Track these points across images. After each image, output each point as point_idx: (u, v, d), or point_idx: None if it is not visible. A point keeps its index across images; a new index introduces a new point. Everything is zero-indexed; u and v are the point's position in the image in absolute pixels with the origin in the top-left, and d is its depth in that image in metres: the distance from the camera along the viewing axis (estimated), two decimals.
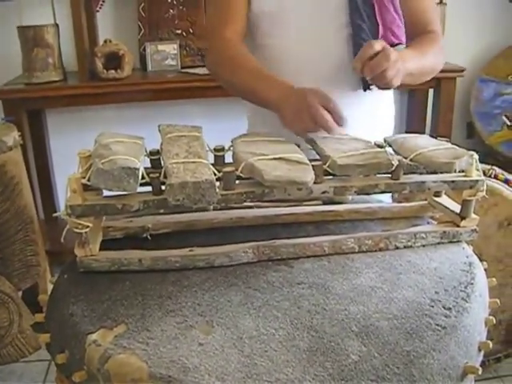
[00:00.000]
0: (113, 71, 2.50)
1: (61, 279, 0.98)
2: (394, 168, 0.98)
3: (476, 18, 2.93)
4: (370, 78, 1.18)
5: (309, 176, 0.91)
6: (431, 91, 2.86)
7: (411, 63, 1.24)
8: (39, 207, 2.63)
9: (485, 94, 2.91)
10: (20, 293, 2.05)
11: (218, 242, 1.02)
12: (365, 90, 1.35)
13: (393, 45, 1.32)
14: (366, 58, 1.15)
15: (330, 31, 1.34)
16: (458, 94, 2.75)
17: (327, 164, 0.97)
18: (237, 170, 0.94)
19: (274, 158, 0.95)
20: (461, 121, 3.02)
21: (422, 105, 2.98)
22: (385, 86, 1.21)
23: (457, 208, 1.08)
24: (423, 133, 2.84)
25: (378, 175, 1.01)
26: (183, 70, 2.79)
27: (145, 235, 1.08)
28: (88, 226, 0.93)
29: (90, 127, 2.80)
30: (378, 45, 1.16)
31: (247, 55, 1.31)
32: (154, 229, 1.08)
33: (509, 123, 2.87)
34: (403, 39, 1.34)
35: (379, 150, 1.02)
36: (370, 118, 1.37)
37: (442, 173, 1.04)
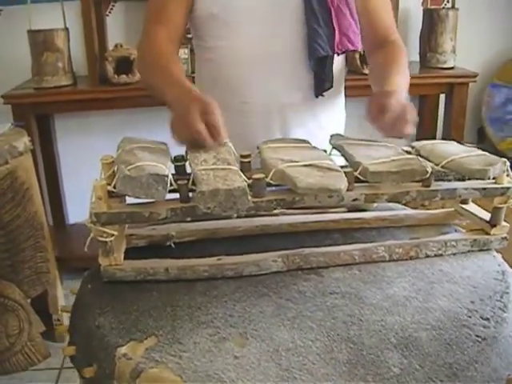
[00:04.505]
0: (124, 76, 2.48)
1: (84, 289, 0.96)
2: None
3: (488, 23, 2.91)
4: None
5: (342, 183, 0.88)
6: (442, 96, 2.84)
7: (405, 92, 1.20)
8: (48, 213, 2.61)
9: (496, 100, 2.89)
10: (29, 300, 2.02)
11: (244, 250, 0.99)
12: (317, 97, 1.32)
13: (348, 51, 1.30)
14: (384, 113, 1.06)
15: (284, 35, 1.29)
16: (469, 99, 2.73)
17: (358, 171, 0.95)
18: (266, 176, 0.92)
19: (305, 165, 0.93)
20: (472, 126, 3.00)
21: (433, 110, 2.95)
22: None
23: (486, 215, 1.06)
24: (434, 137, 2.82)
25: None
26: (194, 75, 2.77)
27: (168, 243, 1.05)
28: (113, 235, 0.91)
29: (98, 133, 2.78)
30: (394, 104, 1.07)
31: (167, 55, 1.24)
32: (178, 237, 1.06)
33: None
34: (359, 46, 1.31)
35: (410, 156, 1.00)
36: (321, 124, 1.33)
37: (469, 179, 1.02)
